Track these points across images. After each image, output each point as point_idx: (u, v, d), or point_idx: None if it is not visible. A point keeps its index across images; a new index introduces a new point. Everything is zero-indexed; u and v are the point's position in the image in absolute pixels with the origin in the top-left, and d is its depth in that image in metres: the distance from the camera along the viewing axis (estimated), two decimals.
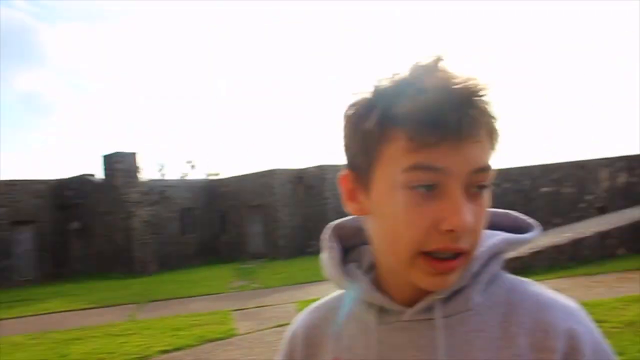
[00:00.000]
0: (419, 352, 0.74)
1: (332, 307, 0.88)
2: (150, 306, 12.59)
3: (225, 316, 10.20)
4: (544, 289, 0.76)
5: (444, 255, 0.67)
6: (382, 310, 0.78)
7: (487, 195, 0.70)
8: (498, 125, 0.69)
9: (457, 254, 0.68)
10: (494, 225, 0.79)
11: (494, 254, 0.76)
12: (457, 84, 0.65)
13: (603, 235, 12.19)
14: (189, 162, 46.70)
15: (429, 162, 0.65)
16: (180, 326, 9.48)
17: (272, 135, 75.65)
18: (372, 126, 0.68)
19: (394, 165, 0.67)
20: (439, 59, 0.68)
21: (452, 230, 0.65)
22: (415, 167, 0.66)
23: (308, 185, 22.58)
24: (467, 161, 0.66)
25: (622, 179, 17.74)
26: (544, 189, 17.64)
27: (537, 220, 0.81)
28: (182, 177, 42.31)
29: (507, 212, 0.83)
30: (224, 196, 24.79)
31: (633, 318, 6.49)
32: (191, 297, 13.51)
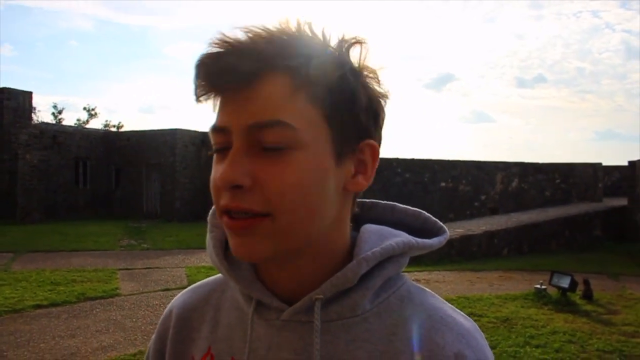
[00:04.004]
0: (295, 356, 0.67)
1: (215, 290, 0.81)
2: (28, 257, 11.88)
3: (110, 275, 9.85)
4: (442, 304, 0.71)
5: (237, 215, 0.62)
6: (261, 304, 0.70)
7: (295, 157, 0.61)
8: (313, 74, 0.62)
9: (251, 215, 0.61)
10: (402, 225, 0.75)
11: (390, 256, 0.68)
12: (231, 37, 0.61)
13: (491, 235, 12.97)
14: (88, 109, 44.32)
15: (216, 123, 0.64)
16: (60, 281, 9.07)
17: (179, 96, 73.68)
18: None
19: None
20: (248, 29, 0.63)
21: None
22: (211, 131, 0.65)
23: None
24: (244, 116, 0.61)
25: (515, 184, 18.88)
26: (443, 184, 18.39)
27: (432, 213, 0.77)
28: (79, 124, 40.13)
29: (419, 212, 0.77)
30: (122, 150, 23.71)
31: (508, 315, 6.98)
32: (76, 251, 12.90)
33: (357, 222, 0.73)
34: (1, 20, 72.33)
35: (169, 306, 0.84)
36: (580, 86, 79.83)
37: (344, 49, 0.65)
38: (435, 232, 0.75)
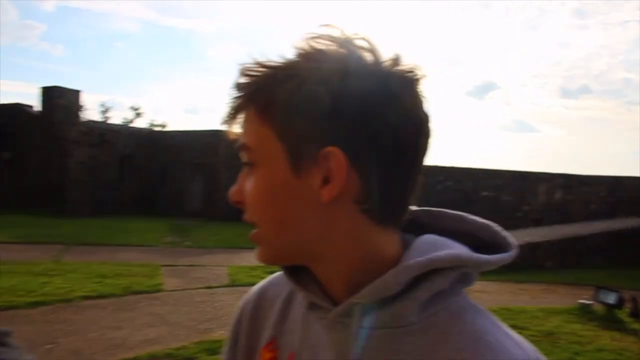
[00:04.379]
0: (337, 357, 0.68)
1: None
2: (78, 249, 12.27)
3: (154, 270, 10.08)
4: (495, 327, 0.65)
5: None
6: (316, 305, 0.71)
7: (257, 173, 0.67)
8: (280, 101, 0.64)
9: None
10: (472, 236, 0.71)
11: (437, 268, 0.64)
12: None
13: (534, 247, 12.71)
14: (134, 108, 45.35)
15: None
16: (107, 274, 9.33)
17: (223, 97, 74.63)
18: None
19: None
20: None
21: None
22: None
23: None
24: None
25: (559, 195, 18.46)
26: (485, 193, 18.10)
27: None
28: (125, 123, 41.10)
29: (487, 225, 0.71)
30: (167, 149, 24.21)
31: (552, 329, 6.83)
32: (122, 245, 13.26)
33: (425, 231, 0.71)
34: (54, 21, 74.78)
35: (246, 295, 0.88)
36: (626, 97, 77.33)
37: (344, 54, 0.64)
38: (505, 247, 0.69)
